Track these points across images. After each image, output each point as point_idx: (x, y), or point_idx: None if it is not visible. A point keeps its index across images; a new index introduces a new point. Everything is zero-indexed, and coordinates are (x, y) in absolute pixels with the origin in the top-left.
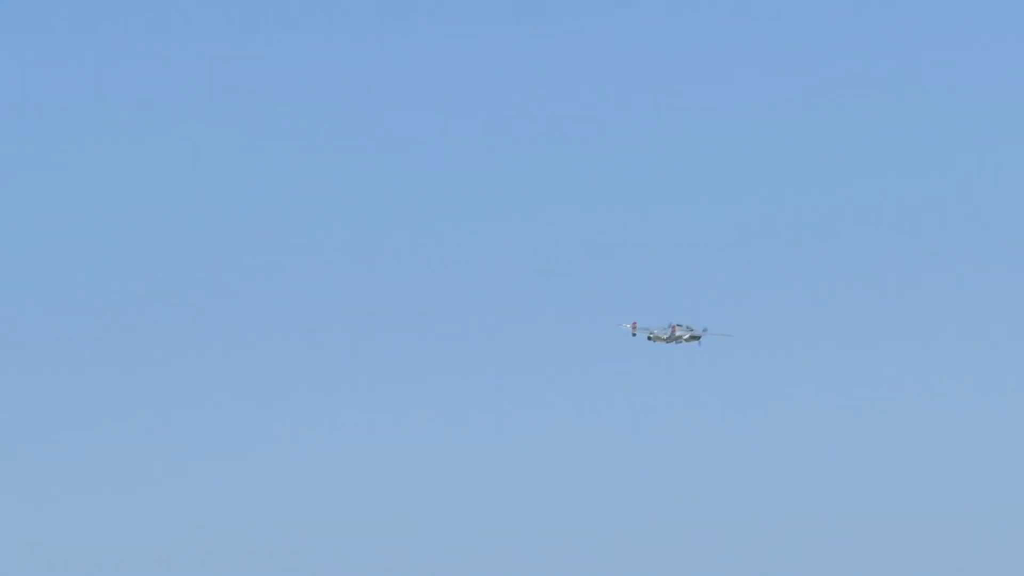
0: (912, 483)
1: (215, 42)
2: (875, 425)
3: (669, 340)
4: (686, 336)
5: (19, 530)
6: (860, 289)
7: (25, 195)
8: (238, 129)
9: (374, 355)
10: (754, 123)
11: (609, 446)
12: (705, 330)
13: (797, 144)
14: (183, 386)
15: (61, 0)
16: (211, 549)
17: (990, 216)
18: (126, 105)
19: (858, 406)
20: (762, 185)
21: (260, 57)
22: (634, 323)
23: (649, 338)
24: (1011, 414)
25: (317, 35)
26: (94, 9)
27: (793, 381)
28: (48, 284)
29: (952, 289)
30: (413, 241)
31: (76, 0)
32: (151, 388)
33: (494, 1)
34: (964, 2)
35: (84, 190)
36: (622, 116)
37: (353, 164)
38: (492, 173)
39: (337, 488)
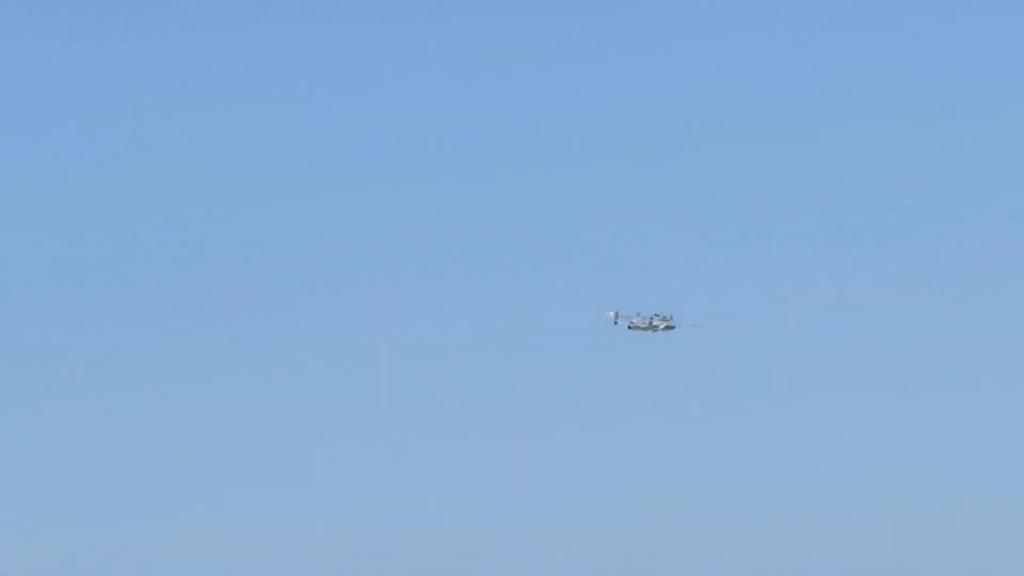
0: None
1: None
2: (859, 415)
3: (647, 329)
4: (662, 326)
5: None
6: (827, 285)
7: None
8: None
9: (369, 354)
10: (748, 118)
11: (597, 420)
12: (671, 317)
13: (780, 140)
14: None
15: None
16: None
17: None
18: None
19: (832, 392)
20: (742, 185)
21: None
22: (616, 312)
23: (630, 327)
24: (1007, 414)
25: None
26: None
27: (759, 369)
28: None
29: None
30: (408, 240)
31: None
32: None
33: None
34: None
35: None
36: (611, 111)
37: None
38: (489, 168)
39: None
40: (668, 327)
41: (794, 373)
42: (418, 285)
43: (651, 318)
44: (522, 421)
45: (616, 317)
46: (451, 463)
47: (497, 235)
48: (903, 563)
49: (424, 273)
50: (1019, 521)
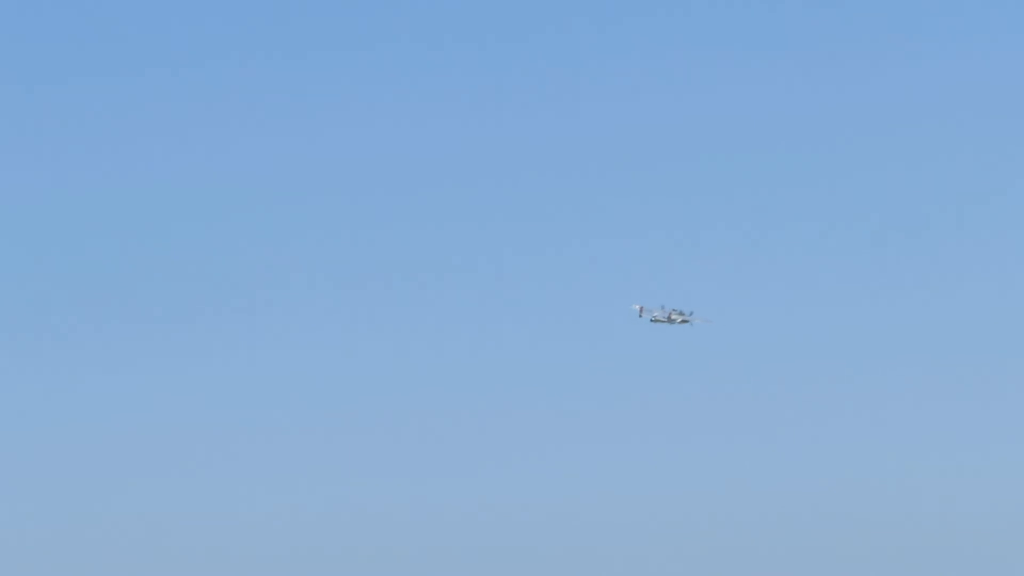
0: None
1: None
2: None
3: (667, 321)
4: (679, 319)
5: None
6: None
7: None
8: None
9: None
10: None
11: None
12: (692, 313)
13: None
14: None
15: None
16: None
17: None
18: None
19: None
20: (744, 193)
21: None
22: (641, 307)
23: (652, 320)
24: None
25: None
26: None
27: (757, 357)
28: None
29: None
30: (425, 245)
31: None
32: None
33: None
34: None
35: None
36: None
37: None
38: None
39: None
40: (684, 320)
41: (784, 361)
42: (459, 288)
43: (669, 312)
44: (558, 400)
45: (641, 311)
46: (488, 446)
47: (543, 242)
48: (909, 552)
49: (465, 278)
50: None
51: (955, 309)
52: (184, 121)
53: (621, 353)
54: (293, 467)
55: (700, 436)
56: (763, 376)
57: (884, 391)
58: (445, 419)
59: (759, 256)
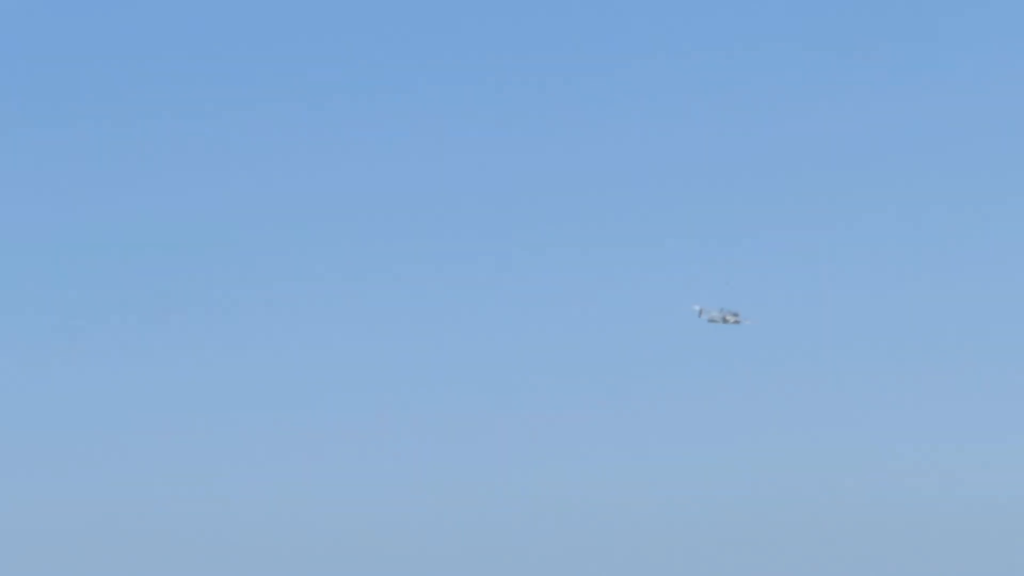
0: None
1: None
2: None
3: (721, 321)
4: (732, 319)
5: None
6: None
7: None
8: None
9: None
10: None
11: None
12: (741, 313)
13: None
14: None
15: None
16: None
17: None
18: None
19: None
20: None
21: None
22: (701, 308)
23: (709, 320)
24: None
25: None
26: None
27: (792, 357)
28: None
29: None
30: (467, 248)
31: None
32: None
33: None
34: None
35: None
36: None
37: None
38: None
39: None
40: (736, 321)
41: (821, 357)
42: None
43: (724, 314)
44: (626, 389)
45: (700, 312)
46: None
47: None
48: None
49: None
50: None
51: (1007, 309)
52: (183, 126)
53: (680, 352)
54: (296, 467)
55: (740, 433)
56: (798, 367)
57: (921, 390)
58: (497, 418)
59: (805, 258)
